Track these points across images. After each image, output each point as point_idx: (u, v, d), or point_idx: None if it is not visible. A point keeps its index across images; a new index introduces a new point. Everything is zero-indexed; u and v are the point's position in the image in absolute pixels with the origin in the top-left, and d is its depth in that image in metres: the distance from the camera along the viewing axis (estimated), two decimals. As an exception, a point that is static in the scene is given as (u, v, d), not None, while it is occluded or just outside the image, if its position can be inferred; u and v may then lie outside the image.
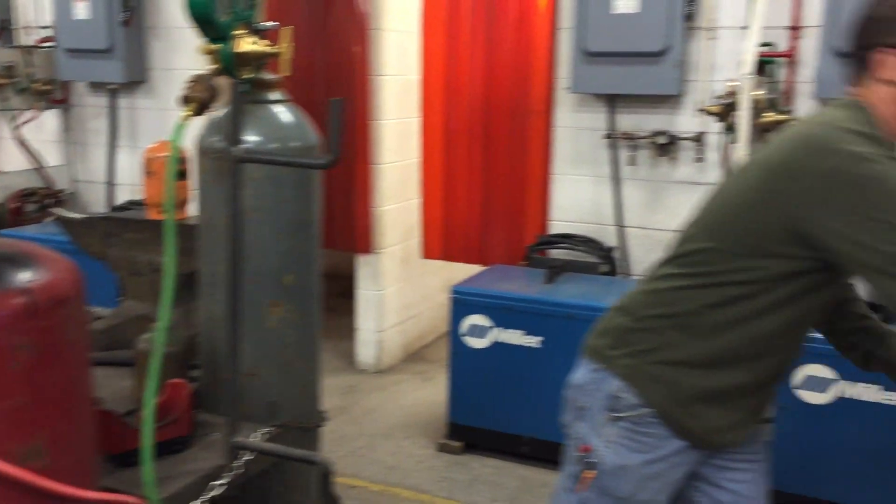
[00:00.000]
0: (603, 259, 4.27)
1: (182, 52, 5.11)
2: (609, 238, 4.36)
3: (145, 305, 2.30)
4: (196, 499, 1.65)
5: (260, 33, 1.86)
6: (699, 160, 4.09)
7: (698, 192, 4.17)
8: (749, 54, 3.42)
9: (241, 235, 1.65)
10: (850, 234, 1.54)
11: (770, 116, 3.48)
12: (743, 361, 1.73)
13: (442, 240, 4.80)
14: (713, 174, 4.05)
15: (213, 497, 1.68)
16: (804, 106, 3.89)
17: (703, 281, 1.72)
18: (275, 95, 1.93)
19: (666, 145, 4.10)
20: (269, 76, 1.91)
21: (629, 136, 4.22)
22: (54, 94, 5.35)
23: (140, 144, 5.24)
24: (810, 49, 3.79)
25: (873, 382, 3.22)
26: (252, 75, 1.82)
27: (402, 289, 5.20)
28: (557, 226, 4.50)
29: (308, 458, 1.67)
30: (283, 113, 1.93)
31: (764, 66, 3.75)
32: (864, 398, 3.24)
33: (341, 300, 5.56)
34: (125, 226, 2.31)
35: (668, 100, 4.14)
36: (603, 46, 4.04)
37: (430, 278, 5.41)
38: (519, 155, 4.48)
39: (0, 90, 5.12)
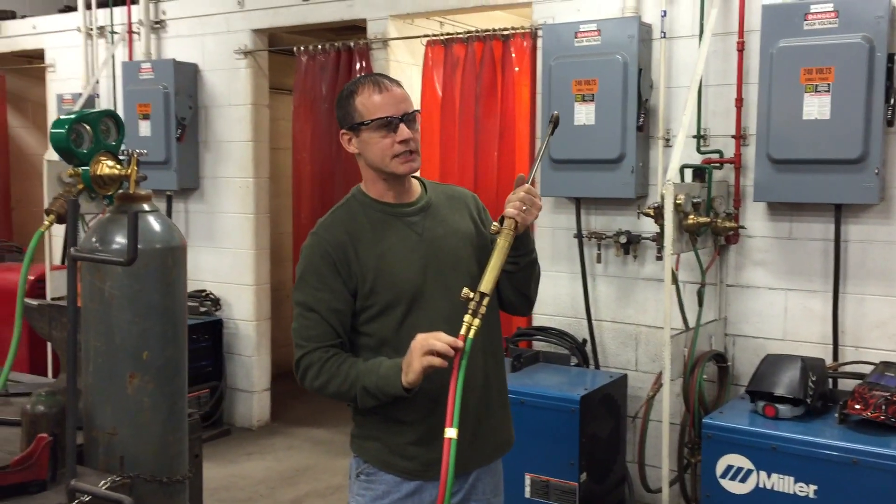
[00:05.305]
0: (574, 351, 4.50)
1: (229, 163, 5.82)
2: (583, 331, 4.59)
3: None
4: (35, 529, 2.06)
5: (125, 159, 2.34)
6: (659, 258, 4.30)
7: (662, 288, 4.37)
8: (674, 162, 3.67)
9: (77, 317, 2.09)
10: None
11: (693, 219, 3.69)
12: None
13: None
14: (672, 272, 4.24)
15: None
16: (751, 209, 4.07)
17: None
18: (144, 206, 2.40)
19: (627, 244, 4.34)
20: (139, 191, 2.39)
21: (598, 236, 4.49)
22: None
23: (196, 244, 5.91)
24: (752, 156, 3.99)
25: (787, 474, 3.30)
26: (112, 192, 2.31)
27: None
28: (539, 319, 4.76)
29: (116, 499, 2.07)
30: (151, 221, 2.39)
31: (705, 172, 3.98)
32: (779, 489, 3.31)
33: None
34: (62, 311, 2.81)
35: (630, 202, 4.39)
36: (566, 154, 4.37)
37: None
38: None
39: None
